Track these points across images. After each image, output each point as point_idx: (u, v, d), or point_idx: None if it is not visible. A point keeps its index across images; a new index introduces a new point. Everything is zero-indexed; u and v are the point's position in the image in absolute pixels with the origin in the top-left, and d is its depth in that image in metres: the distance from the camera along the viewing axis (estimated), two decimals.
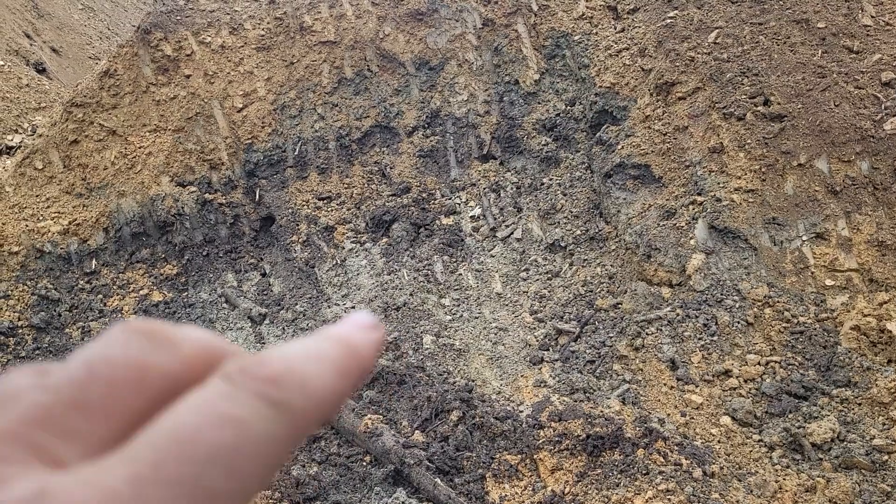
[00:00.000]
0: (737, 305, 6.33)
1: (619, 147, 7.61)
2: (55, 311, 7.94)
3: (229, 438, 0.42)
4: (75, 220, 8.30)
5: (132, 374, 0.45)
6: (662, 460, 4.99)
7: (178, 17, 9.00)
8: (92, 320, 7.90)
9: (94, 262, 8.30)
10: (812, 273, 6.44)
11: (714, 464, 5.10)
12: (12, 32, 13.61)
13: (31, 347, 7.60)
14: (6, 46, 13.05)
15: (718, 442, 5.46)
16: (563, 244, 7.87)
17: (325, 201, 8.63)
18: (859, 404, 5.58)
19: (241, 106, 8.80)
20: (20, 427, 0.41)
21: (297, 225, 8.46)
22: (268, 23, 9.06)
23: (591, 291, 7.29)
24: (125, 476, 0.39)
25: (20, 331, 7.68)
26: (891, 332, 5.86)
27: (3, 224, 8.12)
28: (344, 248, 8.30)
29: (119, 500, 0.38)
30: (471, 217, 8.44)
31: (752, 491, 4.96)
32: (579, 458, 5.18)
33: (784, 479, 5.11)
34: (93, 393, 0.43)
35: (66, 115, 8.58)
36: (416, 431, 5.85)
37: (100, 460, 0.41)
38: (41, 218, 8.26)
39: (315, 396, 0.47)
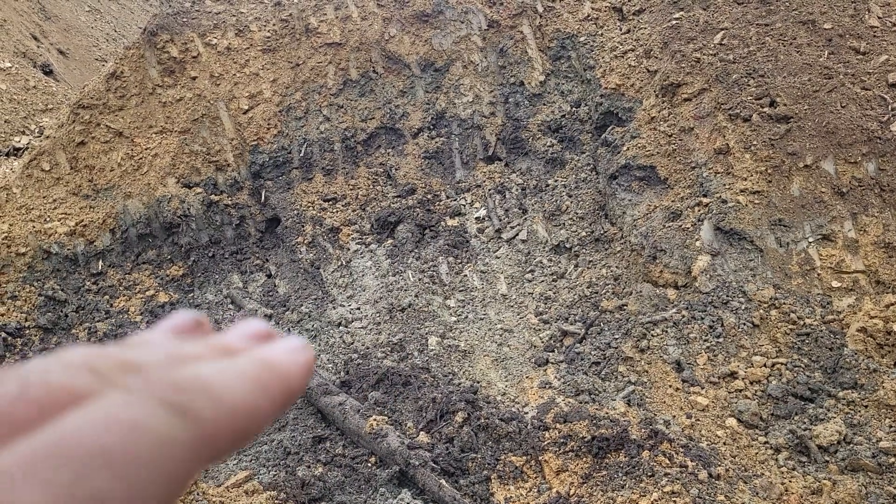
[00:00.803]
0: (742, 307, 6.32)
1: (625, 148, 7.60)
2: (62, 311, 7.97)
3: (117, 440, 0.40)
4: (82, 221, 8.33)
5: (63, 396, 0.43)
6: (668, 462, 4.98)
7: (185, 19, 9.02)
8: (98, 321, 7.93)
9: (100, 263, 8.33)
10: (818, 275, 6.42)
11: (720, 466, 5.08)
12: (20, 35, 13.67)
13: (38, 348, 7.62)
14: (13, 48, 13.11)
15: (724, 444, 5.44)
16: (568, 245, 7.87)
17: (330, 202, 8.64)
18: (866, 406, 5.56)
19: (246, 107, 8.82)
20: None
21: (303, 226, 8.47)
22: (273, 25, 9.08)
23: (597, 293, 7.28)
24: None
25: (27, 331, 7.71)
26: None
27: (11, 225, 8.16)
28: (349, 249, 8.31)
29: None
30: (476, 218, 8.45)
31: (757, 493, 4.95)
32: (584, 459, 5.17)
33: (790, 482, 5.09)
34: (13, 410, 0.41)
35: (72, 117, 8.61)
36: (422, 433, 5.85)
37: None
38: (48, 219, 8.29)
39: (225, 407, 0.45)
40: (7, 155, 10.60)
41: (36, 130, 11.23)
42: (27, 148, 10.13)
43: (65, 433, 0.40)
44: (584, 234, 7.85)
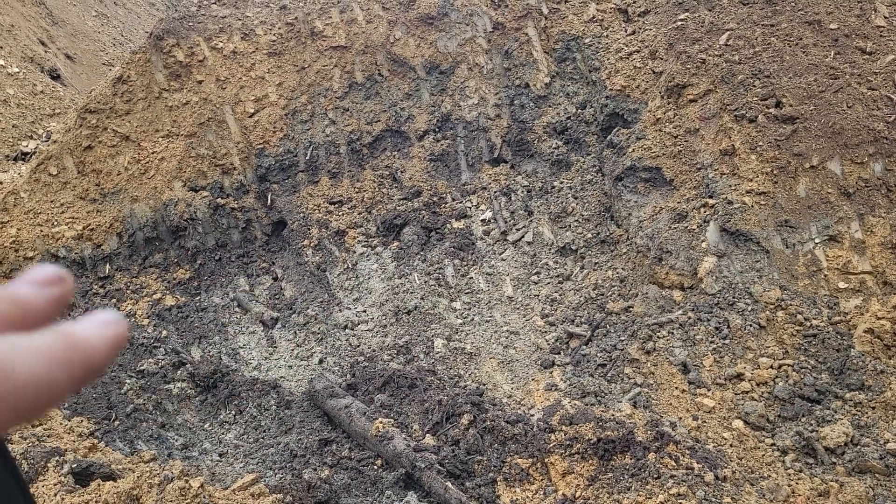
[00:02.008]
0: (749, 308, 6.30)
1: (630, 150, 7.59)
2: (70, 315, 8.00)
3: None
4: (89, 225, 8.37)
5: None
6: (674, 464, 4.97)
7: (191, 24, 9.06)
8: None
9: (107, 266, 8.36)
10: (825, 276, 6.40)
11: (726, 468, 5.07)
12: (27, 40, 13.74)
13: None
14: (21, 53, 13.18)
15: (730, 446, 5.43)
16: (574, 247, 7.86)
17: (336, 205, 8.65)
18: (873, 408, 5.54)
19: (252, 111, 8.85)
20: None
21: (309, 229, 8.49)
22: (279, 28, 9.10)
23: (603, 295, 7.27)
24: None
25: None
26: None
27: (19, 229, 8.20)
28: (355, 252, 8.32)
29: None
30: (482, 221, 8.45)
31: (764, 495, 4.93)
32: (590, 461, 5.17)
33: (797, 484, 5.07)
34: None
35: (79, 122, 8.65)
36: (428, 435, 5.85)
37: None
38: (56, 223, 8.33)
39: (19, 384, 0.44)
40: (15, 159, 10.66)
41: (43, 135, 11.29)
42: (35, 152, 10.18)
43: None
44: (589, 235, 7.85)
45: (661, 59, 8.00)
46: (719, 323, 6.25)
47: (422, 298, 7.71)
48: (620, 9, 8.87)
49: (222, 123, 8.73)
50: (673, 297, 6.67)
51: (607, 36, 8.78)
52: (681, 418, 5.66)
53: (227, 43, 8.96)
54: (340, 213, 8.58)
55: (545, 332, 7.15)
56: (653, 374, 6.11)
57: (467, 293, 7.81)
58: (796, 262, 6.50)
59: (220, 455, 6.43)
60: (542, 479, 5.29)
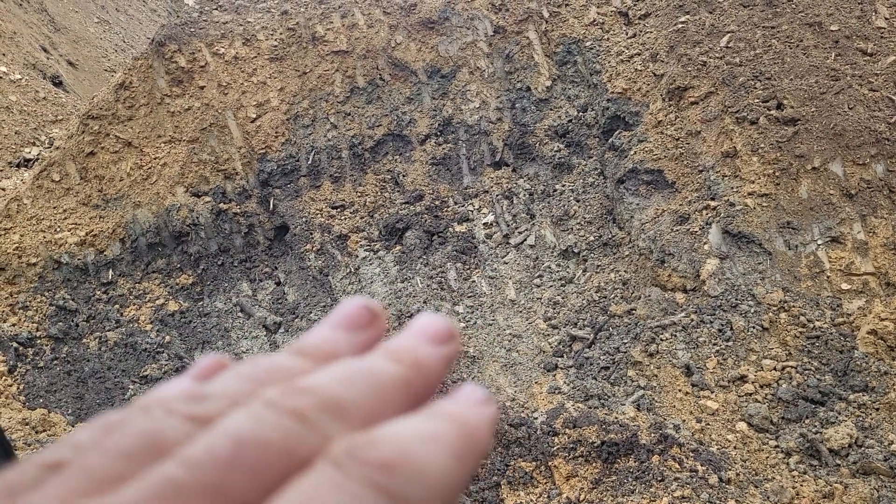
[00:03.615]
0: (752, 310, 6.29)
1: (632, 153, 7.60)
2: (73, 321, 8.02)
3: None
4: (92, 231, 8.39)
5: (278, 464, 0.39)
6: (678, 467, 4.96)
7: (192, 30, 9.08)
8: (109, 330, 7.97)
9: (110, 272, 8.38)
10: (828, 277, 6.39)
11: (730, 470, 5.06)
12: (29, 46, 13.79)
13: (49, 357, 7.67)
14: (24, 60, 13.22)
15: (734, 448, 5.42)
16: (576, 250, 7.86)
17: (338, 210, 8.66)
18: (877, 409, 5.53)
19: (254, 116, 8.87)
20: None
21: (311, 234, 8.50)
22: (280, 33, 9.13)
23: (605, 297, 7.27)
24: None
25: (38, 341, 7.76)
26: None
27: (22, 236, 8.22)
28: (357, 256, 8.33)
29: None
30: (484, 224, 8.45)
31: (768, 497, 4.92)
32: (594, 464, 5.16)
33: (801, 486, 5.07)
34: (234, 480, 0.37)
35: (82, 128, 8.68)
36: None
37: None
38: (58, 229, 8.35)
39: (433, 486, 0.40)
40: (18, 166, 10.69)
41: (46, 141, 11.32)
42: (37, 159, 10.21)
43: None
44: (592, 238, 7.85)
45: (662, 61, 8.01)
46: (722, 325, 6.25)
47: (424, 302, 7.72)
48: (621, 12, 8.88)
49: (224, 129, 8.75)
50: (675, 300, 6.67)
51: (608, 39, 8.79)
52: (684, 420, 5.66)
53: (228, 48, 8.99)
54: (342, 218, 8.59)
55: (548, 335, 7.15)
56: (656, 376, 6.11)
57: (470, 297, 7.81)
58: (799, 264, 6.50)
59: None
60: (545, 483, 5.29)
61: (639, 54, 8.38)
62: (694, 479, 4.85)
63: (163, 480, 0.36)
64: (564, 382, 6.42)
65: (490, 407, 0.46)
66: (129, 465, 0.38)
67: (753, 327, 6.20)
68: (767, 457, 5.38)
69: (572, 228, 8.04)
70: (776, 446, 5.45)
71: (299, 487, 0.38)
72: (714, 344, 6.17)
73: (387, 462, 0.39)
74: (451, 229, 8.39)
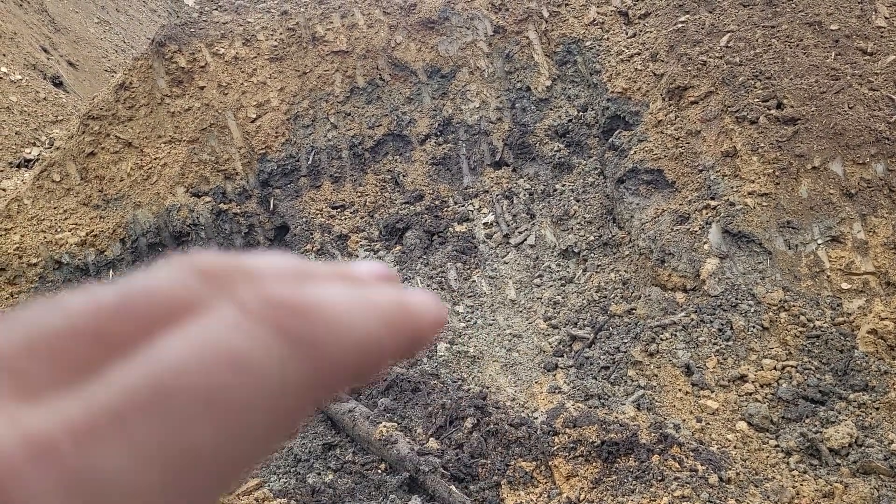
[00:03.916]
0: (752, 310, 6.29)
1: (632, 152, 7.60)
2: None
3: (221, 380, 0.33)
4: (92, 231, 8.39)
5: (166, 314, 0.36)
6: (678, 466, 4.96)
7: (192, 30, 9.09)
8: None
9: (111, 272, 8.38)
10: (828, 276, 6.39)
11: (730, 469, 5.06)
12: (30, 47, 13.79)
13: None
14: (24, 61, 13.22)
15: (734, 447, 5.42)
16: (576, 250, 7.86)
17: (338, 210, 8.67)
18: (877, 409, 5.53)
19: (254, 116, 8.87)
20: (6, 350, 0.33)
21: (311, 234, 8.50)
22: (280, 34, 9.13)
23: (605, 297, 7.27)
24: (69, 420, 0.31)
25: None
26: None
27: (22, 236, 8.22)
28: (358, 256, 8.33)
29: (57, 449, 0.30)
30: (484, 224, 8.45)
31: (768, 497, 4.92)
32: (594, 464, 5.16)
33: (801, 485, 5.07)
34: (112, 325, 0.35)
35: (82, 128, 8.68)
36: (431, 439, 5.85)
37: (62, 395, 0.32)
38: (59, 230, 8.35)
39: (349, 343, 0.38)
40: (18, 166, 10.70)
41: (46, 142, 11.33)
42: (38, 159, 10.22)
43: (161, 370, 0.33)
44: (592, 238, 7.85)
45: (662, 61, 8.01)
46: (722, 324, 6.25)
47: None
48: (621, 11, 8.89)
49: (224, 129, 8.76)
50: (676, 299, 6.67)
51: (608, 39, 8.79)
52: (684, 420, 5.66)
53: (228, 49, 8.99)
54: (343, 218, 8.59)
55: (548, 334, 7.15)
56: (656, 376, 6.11)
57: (470, 296, 7.81)
58: (799, 264, 6.49)
59: None
60: (546, 482, 5.29)
61: (639, 54, 8.38)
62: (694, 479, 4.85)
63: (32, 329, 0.34)
64: (564, 382, 6.42)
65: (436, 307, 0.46)
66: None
67: (753, 327, 6.20)
68: (767, 456, 5.38)
69: (572, 228, 8.04)
70: (776, 446, 5.45)
71: (190, 327, 0.35)
72: (714, 343, 6.17)
73: (300, 307, 0.37)
74: (451, 229, 8.39)
